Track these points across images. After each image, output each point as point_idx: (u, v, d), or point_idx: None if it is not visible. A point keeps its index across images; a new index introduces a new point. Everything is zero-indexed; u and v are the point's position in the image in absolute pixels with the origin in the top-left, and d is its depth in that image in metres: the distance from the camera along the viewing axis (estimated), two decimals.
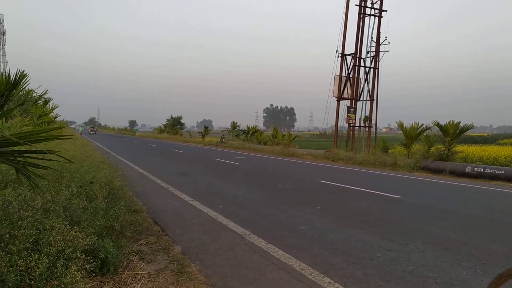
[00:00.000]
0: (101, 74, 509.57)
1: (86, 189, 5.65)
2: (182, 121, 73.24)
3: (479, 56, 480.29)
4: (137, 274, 4.12)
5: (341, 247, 5.32)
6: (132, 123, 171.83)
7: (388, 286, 3.97)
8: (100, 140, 45.69)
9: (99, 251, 3.90)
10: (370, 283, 4.05)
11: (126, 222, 5.18)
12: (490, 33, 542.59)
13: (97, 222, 4.43)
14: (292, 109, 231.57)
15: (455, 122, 17.22)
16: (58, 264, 3.27)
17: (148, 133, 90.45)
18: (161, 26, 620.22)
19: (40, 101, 15.06)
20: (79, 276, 3.22)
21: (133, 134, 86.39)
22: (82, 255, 3.49)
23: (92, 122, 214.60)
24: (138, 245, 5.11)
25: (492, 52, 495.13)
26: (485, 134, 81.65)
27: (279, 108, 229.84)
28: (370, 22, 24.87)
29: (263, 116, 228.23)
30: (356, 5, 24.16)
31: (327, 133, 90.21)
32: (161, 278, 4.07)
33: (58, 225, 3.75)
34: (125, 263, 4.31)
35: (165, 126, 75.24)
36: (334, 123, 25.77)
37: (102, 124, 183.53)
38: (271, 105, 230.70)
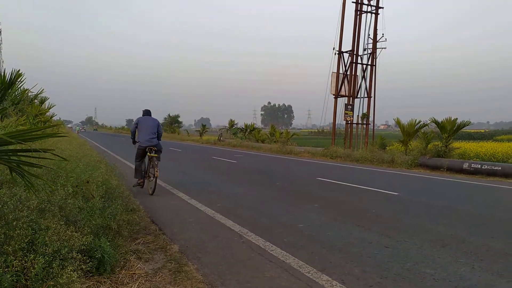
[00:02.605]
0: (98, 73, 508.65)
1: (82, 189, 5.62)
2: (179, 119, 73.10)
3: (479, 56, 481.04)
4: (134, 273, 4.09)
5: (339, 244, 5.30)
6: (130, 122, 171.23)
7: (386, 283, 3.96)
8: (97, 139, 45.61)
9: (96, 250, 3.86)
10: (368, 280, 4.04)
11: (123, 221, 5.14)
12: (490, 35, 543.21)
13: (93, 222, 4.40)
14: (290, 106, 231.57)
15: (452, 119, 17.23)
16: (54, 264, 3.24)
17: None
18: (158, 26, 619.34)
19: (36, 101, 14.98)
20: (75, 276, 3.19)
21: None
22: (78, 255, 3.46)
23: (89, 121, 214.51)
24: (135, 244, 5.08)
25: (491, 52, 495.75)
26: (482, 131, 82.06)
27: (276, 105, 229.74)
28: (367, 19, 24.88)
29: (261, 114, 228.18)
30: (353, 2, 24.14)
31: (325, 130, 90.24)
32: (159, 278, 4.05)
33: (54, 225, 3.72)
34: (122, 263, 4.28)
35: (162, 124, 75.03)
36: (332, 121, 25.79)
37: (100, 123, 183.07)
38: (269, 102, 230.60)
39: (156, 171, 8.91)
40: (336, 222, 6.59)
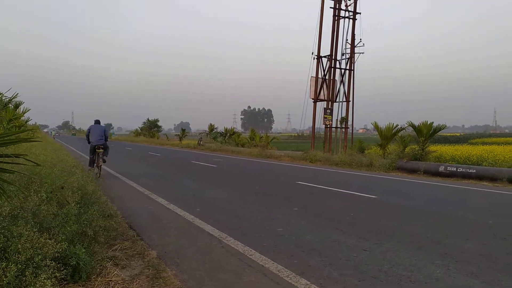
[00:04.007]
0: (75, 78, 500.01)
1: (57, 195, 5.50)
2: (159, 123, 72.64)
3: (453, 55, 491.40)
4: (110, 280, 4.02)
5: (318, 248, 5.32)
6: (108, 126, 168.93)
7: (364, 286, 3.99)
8: (74, 144, 44.85)
9: (71, 258, 3.79)
10: (346, 283, 4.06)
11: (99, 227, 5.05)
12: (461, 32, 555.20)
13: (68, 228, 4.31)
14: (269, 111, 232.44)
15: (428, 123, 17.54)
16: (27, 272, 3.16)
17: (124, 136, 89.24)
18: (138, 32, 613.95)
19: (10, 105, 14.67)
20: (49, 284, 3.12)
21: (109, 137, 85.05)
22: (52, 263, 3.39)
23: (66, 126, 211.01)
24: (112, 250, 5.00)
25: (464, 53, 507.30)
26: (458, 134, 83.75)
27: (256, 110, 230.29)
28: (344, 25, 25.19)
29: (241, 118, 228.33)
30: (331, 7, 24.41)
31: (304, 134, 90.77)
32: (136, 284, 3.99)
33: (27, 232, 3.63)
34: (98, 270, 4.21)
35: (141, 129, 74.46)
36: (311, 125, 25.95)
37: (77, 127, 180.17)
38: (249, 107, 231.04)
39: (100, 162, 13.00)
40: (315, 226, 6.61)
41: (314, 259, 4.86)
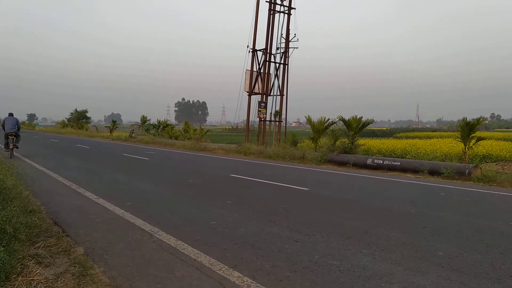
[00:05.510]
0: None
1: None
2: (88, 114, 69.61)
3: (377, 50, 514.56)
4: (32, 279, 3.79)
5: (250, 240, 5.36)
6: (31, 116, 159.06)
7: (295, 277, 4.08)
8: None
9: None
10: (278, 274, 4.13)
11: (20, 224, 4.75)
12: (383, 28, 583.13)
13: None
14: (204, 103, 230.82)
15: (357, 117, 18.25)
16: None
17: (50, 128, 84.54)
18: (72, 19, 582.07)
19: None
20: None
21: (33, 128, 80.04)
22: None
23: None
24: (34, 248, 4.71)
25: (387, 47, 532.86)
26: (384, 128, 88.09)
27: (191, 102, 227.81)
28: (280, 19, 25.47)
29: (175, 111, 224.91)
30: (266, 1, 24.58)
31: (239, 127, 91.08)
32: (60, 283, 3.79)
33: None
34: (19, 269, 3.95)
35: (68, 120, 70.89)
36: (246, 118, 26.09)
37: None
38: (183, 99, 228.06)
39: (11, 145, 16.67)
40: (248, 219, 6.66)
41: (247, 251, 4.89)
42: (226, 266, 4.32)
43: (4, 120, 17.37)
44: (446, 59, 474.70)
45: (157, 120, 43.76)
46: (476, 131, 15.49)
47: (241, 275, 4.08)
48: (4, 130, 16.99)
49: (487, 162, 18.88)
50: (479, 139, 15.79)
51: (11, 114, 17.66)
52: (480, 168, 13.15)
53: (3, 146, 17.78)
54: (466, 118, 15.36)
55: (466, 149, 15.38)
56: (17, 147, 17.18)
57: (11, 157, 16.07)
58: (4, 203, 5.08)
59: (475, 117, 15.46)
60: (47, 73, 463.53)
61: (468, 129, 14.97)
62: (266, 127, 25.75)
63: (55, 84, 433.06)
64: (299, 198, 8.98)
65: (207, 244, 5.17)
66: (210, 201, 8.29)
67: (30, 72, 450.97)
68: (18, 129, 17.15)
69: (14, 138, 16.77)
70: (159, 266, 4.32)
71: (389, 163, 15.14)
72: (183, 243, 5.14)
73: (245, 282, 3.90)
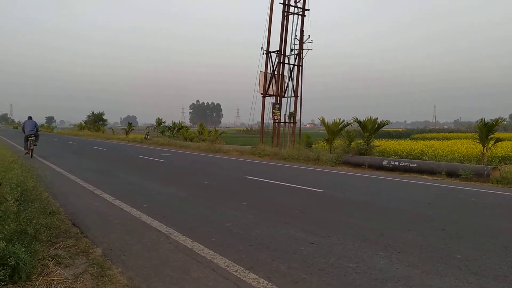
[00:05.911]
0: (13, 68, 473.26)
1: None
2: (104, 117, 70.34)
3: (389, 54, 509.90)
4: (52, 280, 3.86)
5: (266, 242, 5.37)
6: (50, 119, 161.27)
7: (311, 279, 4.07)
8: (13, 138, 42.57)
9: (9, 257, 3.60)
10: (294, 276, 4.13)
11: (40, 225, 4.83)
12: (399, 29, 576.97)
13: (6, 227, 4.08)
14: (218, 105, 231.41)
15: (373, 118, 18.11)
16: None
17: (68, 130, 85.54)
18: (81, 21, 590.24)
19: None
20: None
21: (51, 131, 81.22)
22: None
23: (4, 118, 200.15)
24: (54, 249, 4.80)
25: (402, 50, 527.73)
26: (400, 130, 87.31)
27: (205, 104, 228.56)
28: (294, 21, 25.48)
29: (190, 112, 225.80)
30: (280, 3, 24.59)
31: (253, 129, 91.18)
32: (79, 283, 3.85)
33: None
34: (39, 269, 4.03)
35: (85, 122, 71.70)
36: (260, 119, 26.11)
37: (16, 120, 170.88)
38: (198, 101, 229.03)
39: (31, 146, 18.28)
40: (263, 220, 6.67)
41: (263, 253, 4.90)
42: (242, 268, 4.33)
43: (24, 124, 19.04)
44: (465, 60, 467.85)
45: (172, 122, 43.97)
46: (494, 132, 15.27)
47: (257, 276, 4.10)
48: (24, 133, 18.54)
49: (506, 164, 18.56)
50: (498, 140, 15.55)
51: (30, 118, 19.23)
52: (499, 169, 12.93)
53: (23, 149, 19.19)
54: (484, 119, 15.17)
55: (485, 150, 15.17)
56: (36, 145, 18.76)
57: (31, 157, 17.63)
58: (25, 205, 5.17)
59: (493, 118, 15.26)
60: (65, 77, 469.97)
61: (486, 130, 14.77)
62: (281, 128, 25.74)
63: (73, 88, 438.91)
64: (314, 199, 8.96)
65: (223, 245, 5.19)
66: (225, 202, 8.32)
67: (51, 79, 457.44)
68: (37, 131, 18.90)
69: (34, 138, 18.38)
70: (175, 267, 4.36)
71: (406, 164, 14.99)
72: (199, 244, 5.18)
73: (261, 284, 3.91)
